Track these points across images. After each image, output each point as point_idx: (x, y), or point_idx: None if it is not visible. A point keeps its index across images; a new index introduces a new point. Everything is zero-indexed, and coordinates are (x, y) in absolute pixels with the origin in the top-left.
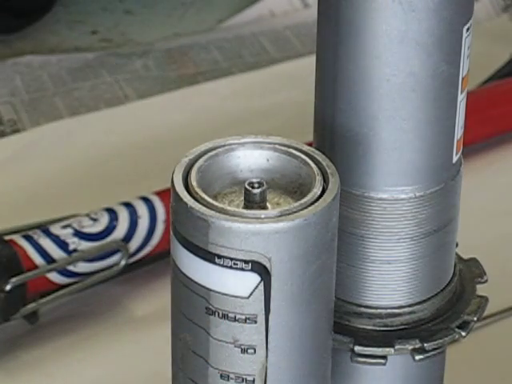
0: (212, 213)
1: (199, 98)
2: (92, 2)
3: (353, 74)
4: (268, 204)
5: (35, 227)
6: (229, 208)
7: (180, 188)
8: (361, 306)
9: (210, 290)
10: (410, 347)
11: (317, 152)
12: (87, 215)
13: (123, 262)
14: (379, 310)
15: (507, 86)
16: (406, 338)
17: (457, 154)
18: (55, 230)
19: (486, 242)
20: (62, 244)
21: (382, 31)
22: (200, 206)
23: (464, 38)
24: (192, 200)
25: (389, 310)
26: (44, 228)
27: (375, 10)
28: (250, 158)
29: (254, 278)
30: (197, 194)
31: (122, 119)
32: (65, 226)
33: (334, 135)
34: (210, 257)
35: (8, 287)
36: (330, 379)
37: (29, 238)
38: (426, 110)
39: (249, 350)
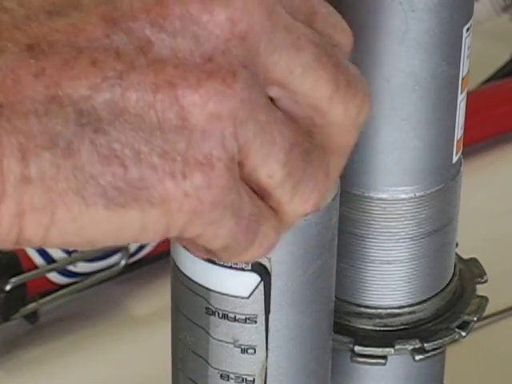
0: None
1: None
2: None
3: None
4: None
5: None
6: None
7: None
8: (361, 306)
9: (210, 290)
10: (410, 347)
11: None
12: None
13: (123, 262)
14: (379, 310)
15: (507, 86)
16: (406, 338)
17: (457, 154)
18: None
19: (485, 241)
20: None
21: (382, 31)
22: None
23: (464, 37)
24: None
25: (389, 310)
26: None
27: (375, 9)
28: None
29: (253, 278)
30: None
31: None
32: None
33: None
34: None
35: (8, 287)
36: (329, 379)
37: None
38: (426, 110)
39: (249, 350)
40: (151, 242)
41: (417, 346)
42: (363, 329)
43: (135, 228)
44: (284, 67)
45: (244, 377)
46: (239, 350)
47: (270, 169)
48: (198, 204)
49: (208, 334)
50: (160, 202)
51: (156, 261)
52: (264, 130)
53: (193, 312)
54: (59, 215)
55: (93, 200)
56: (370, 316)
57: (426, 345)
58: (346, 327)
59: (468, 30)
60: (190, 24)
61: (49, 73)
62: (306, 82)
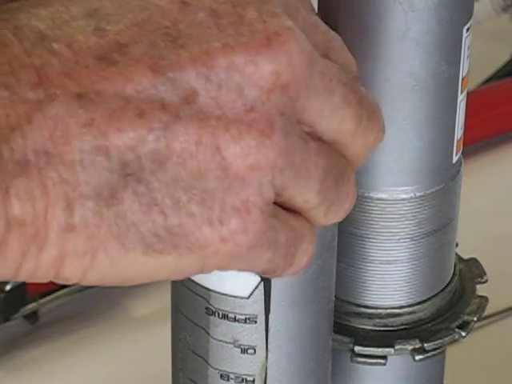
0: None
1: None
2: None
3: None
4: None
5: None
6: None
7: None
8: (361, 306)
9: (210, 290)
10: (410, 347)
11: None
12: None
13: None
14: (379, 310)
15: (507, 86)
16: (406, 338)
17: (457, 154)
18: None
19: (485, 241)
20: None
21: (382, 31)
22: None
23: (464, 37)
24: None
25: (389, 310)
26: None
27: (375, 10)
28: None
29: (253, 278)
30: None
31: None
32: None
33: None
34: None
35: (8, 287)
36: (330, 379)
37: None
38: (426, 110)
39: (249, 350)
40: (186, 277)
41: (417, 346)
42: (363, 329)
43: (170, 270)
44: (316, 109)
45: (244, 377)
46: (239, 349)
47: (305, 197)
48: (234, 247)
49: (208, 334)
50: (198, 248)
51: None
52: (299, 171)
53: (193, 312)
54: (99, 260)
55: (132, 246)
56: (370, 316)
57: (425, 345)
58: (346, 327)
59: (468, 30)
60: (234, 75)
61: (97, 123)
62: (333, 122)
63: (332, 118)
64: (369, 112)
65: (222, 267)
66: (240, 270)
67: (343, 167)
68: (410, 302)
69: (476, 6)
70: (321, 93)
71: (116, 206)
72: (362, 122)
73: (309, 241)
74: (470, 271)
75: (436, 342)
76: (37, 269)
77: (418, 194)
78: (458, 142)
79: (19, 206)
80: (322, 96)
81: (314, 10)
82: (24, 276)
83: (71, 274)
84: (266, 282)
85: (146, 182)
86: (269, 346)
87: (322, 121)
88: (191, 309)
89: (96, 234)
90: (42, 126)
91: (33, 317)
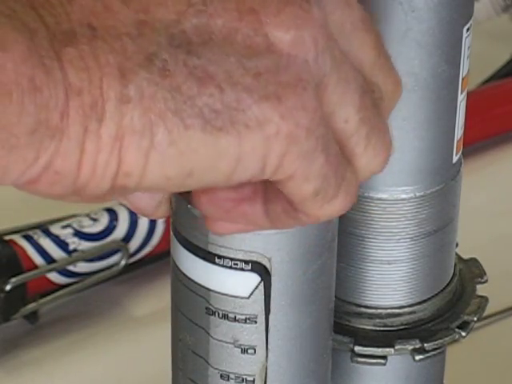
0: None
1: None
2: None
3: None
4: None
5: (35, 227)
6: None
7: None
8: (361, 306)
9: (210, 290)
10: (410, 347)
11: None
12: (87, 215)
13: (123, 262)
14: (379, 310)
15: (507, 86)
16: (406, 338)
17: (457, 154)
18: (55, 229)
19: (486, 242)
20: (62, 244)
21: (382, 31)
22: None
23: (464, 37)
24: None
25: (389, 310)
26: (44, 228)
27: (376, 10)
28: None
29: (254, 278)
30: None
31: None
32: (65, 226)
33: None
34: (209, 257)
35: (8, 287)
36: (329, 379)
37: (29, 238)
38: (426, 110)
39: (249, 350)
40: (247, 179)
41: (417, 346)
42: (363, 329)
43: (232, 157)
44: (337, 19)
45: (244, 377)
46: (239, 349)
47: (345, 112)
48: (294, 127)
49: (208, 334)
50: (257, 125)
51: (156, 261)
52: (339, 67)
53: (193, 312)
54: (159, 138)
55: (191, 121)
56: (370, 316)
57: (426, 345)
58: (345, 327)
59: (468, 30)
60: None
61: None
62: (354, 41)
63: (353, 36)
64: (386, 55)
65: (283, 163)
66: (295, 179)
67: (378, 99)
68: (410, 302)
69: (476, 5)
70: (338, 1)
71: (169, 78)
72: (380, 56)
73: (353, 173)
74: (470, 271)
75: (436, 342)
76: (98, 152)
77: (418, 194)
78: (458, 142)
79: (74, 73)
80: (340, 5)
81: None
82: (86, 169)
83: (133, 163)
84: (266, 282)
85: (196, 54)
86: (269, 346)
87: (343, 35)
88: (191, 309)
89: (152, 107)
90: (81, 3)
91: (33, 317)
